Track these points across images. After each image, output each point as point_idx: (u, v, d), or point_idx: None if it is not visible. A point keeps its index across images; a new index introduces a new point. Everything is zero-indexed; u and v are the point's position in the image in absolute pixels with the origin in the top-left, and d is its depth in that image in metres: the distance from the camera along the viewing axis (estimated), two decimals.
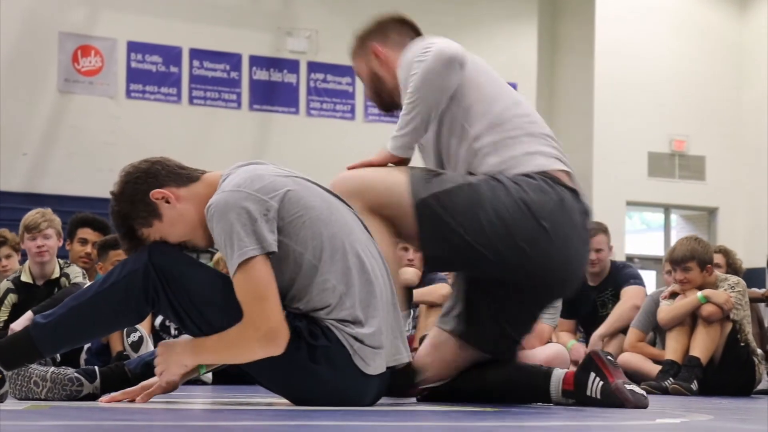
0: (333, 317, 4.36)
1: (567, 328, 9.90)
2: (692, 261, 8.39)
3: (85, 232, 9.55)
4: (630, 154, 20.76)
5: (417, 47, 5.46)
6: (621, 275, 9.78)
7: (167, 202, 4.53)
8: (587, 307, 9.79)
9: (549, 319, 8.54)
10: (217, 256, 9.20)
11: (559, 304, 8.83)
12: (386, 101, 5.73)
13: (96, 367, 4.97)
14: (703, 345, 8.05)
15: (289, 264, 4.38)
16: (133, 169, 4.67)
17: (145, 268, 4.39)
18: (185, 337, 4.57)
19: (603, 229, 10.00)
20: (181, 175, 4.62)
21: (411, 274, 9.46)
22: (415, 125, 5.19)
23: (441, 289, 9.77)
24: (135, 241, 4.61)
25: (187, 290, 4.42)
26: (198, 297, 4.44)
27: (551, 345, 8.43)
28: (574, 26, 21.20)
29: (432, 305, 9.52)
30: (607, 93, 20.61)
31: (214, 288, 4.47)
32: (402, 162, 5.25)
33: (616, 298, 9.56)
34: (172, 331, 8.71)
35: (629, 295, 9.48)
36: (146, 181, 4.58)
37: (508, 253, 5.05)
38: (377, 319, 4.45)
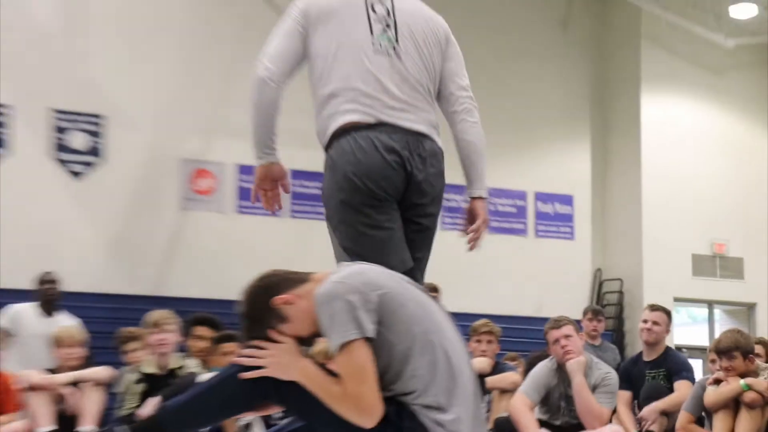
0: (419, 402, 4.34)
1: (625, 401, 9.70)
2: (736, 351, 8.32)
3: (201, 330, 9.61)
4: (676, 257, 20.60)
5: None
6: (676, 361, 9.65)
7: (290, 303, 4.57)
8: (641, 381, 9.69)
9: (607, 402, 8.44)
10: (316, 348, 9.18)
11: (615, 388, 8.76)
12: None
13: None
14: (747, 426, 7.96)
15: (384, 352, 4.36)
16: (252, 288, 4.77)
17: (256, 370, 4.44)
18: (306, 361, 4.52)
19: (666, 311, 9.97)
20: (293, 279, 4.66)
21: (484, 363, 9.44)
22: (255, 140, 5.78)
23: (511, 376, 9.74)
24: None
25: (291, 390, 4.43)
26: (298, 393, 4.45)
27: (610, 426, 8.34)
28: (622, 144, 21.12)
29: (504, 391, 9.47)
30: (653, 202, 20.52)
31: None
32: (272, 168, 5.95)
33: (668, 379, 9.42)
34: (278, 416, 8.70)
35: (683, 390, 9.29)
36: (266, 292, 4.64)
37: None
38: (459, 407, 4.40)
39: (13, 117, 17.66)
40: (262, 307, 4.64)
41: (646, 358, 9.75)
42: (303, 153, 19.01)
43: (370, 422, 4.28)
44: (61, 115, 18.01)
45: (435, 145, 5.61)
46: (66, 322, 10.54)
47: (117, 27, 18.30)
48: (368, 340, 4.33)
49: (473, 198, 5.96)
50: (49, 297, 11.09)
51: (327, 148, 5.71)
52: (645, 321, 9.82)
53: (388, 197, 5.40)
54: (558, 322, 8.61)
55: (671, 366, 9.43)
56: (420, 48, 5.72)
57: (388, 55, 5.55)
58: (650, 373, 9.62)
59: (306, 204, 19.02)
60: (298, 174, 19.08)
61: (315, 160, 19.08)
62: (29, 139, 17.68)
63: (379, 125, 5.40)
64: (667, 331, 9.91)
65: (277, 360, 4.47)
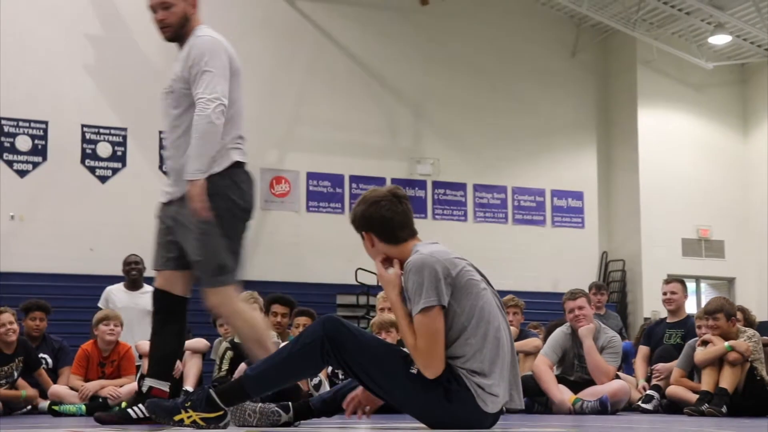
0: (466, 367, 4.30)
1: (643, 354, 9.62)
2: (721, 312, 8.25)
3: (276, 308, 9.59)
4: (669, 240, 20.47)
5: (208, 77, 5.31)
6: (691, 327, 9.54)
7: (370, 244, 4.67)
8: (659, 339, 9.58)
9: (612, 361, 8.37)
10: (373, 321, 9.11)
11: (619, 350, 8.68)
12: (176, 35, 5.55)
13: (290, 403, 4.96)
14: (729, 380, 7.87)
15: (447, 319, 4.32)
16: (362, 202, 4.72)
17: (321, 338, 4.40)
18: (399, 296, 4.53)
19: (680, 281, 9.91)
20: (392, 234, 4.60)
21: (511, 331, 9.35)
22: (207, 159, 5.21)
23: (534, 341, 9.65)
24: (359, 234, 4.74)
25: (351, 353, 4.40)
26: (358, 359, 4.42)
27: (616, 381, 8.26)
28: (622, 149, 20.99)
29: (527, 353, 9.38)
30: (649, 196, 20.39)
31: (371, 352, 4.45)
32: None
33: (683, 339, 9.26)
34: (341, 376, 8.66)
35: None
36: (358, 217, 4.69)
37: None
38: (498, 374, 4.35)
39: (128, 138, 17.79)
40: (358, 217, 4.68)
41: (669, 320, 9.70)
42: (360, 161, 19.11)
43: (431, 375, 4.27)
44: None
45: None
46: (149, 296, 10.55)
47: None
48: (443, 308, 4.31)
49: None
50: (132, 275, 11.10)
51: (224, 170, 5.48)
52: (664, 293, 9.77)
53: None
54: (573, 294, 8.60)
55: (689, 329, 9.29)
56: None
57: None
58: (669, 332, 9.51)
59: None
60: (355, 178, 19.10)
61: (370, 167, 19.10)
62: (141, 155, 17.78)
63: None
64: (685, 296, 9.82)
65: (386, 282, 4.53)
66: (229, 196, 5.41)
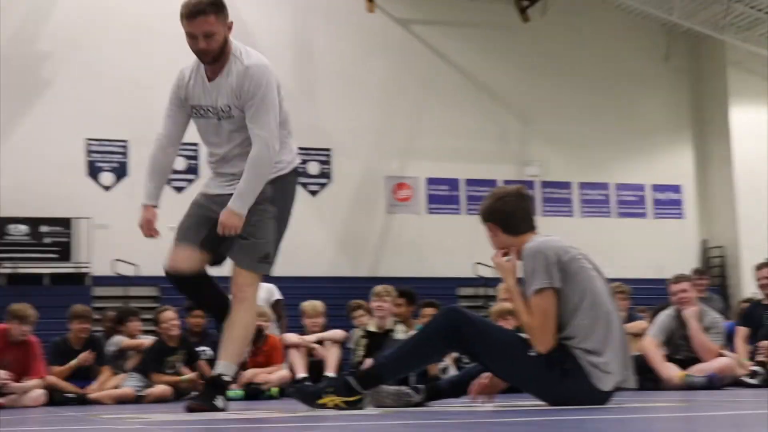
0: (580, 347, 4.28)
1: (742, 335, 9.31)
2: None
3: (401, 301, 9.64)
4: (763, 227, 19.92)
5: (268, 101, 5.04)
6: None
7: (490, 231, 4.67)
8: (757, 320, 9.33)
9: (717, 340, 8.20)
10: (492, 309, 9.07)
11: (722, 329, 8.49)
12: (215, 59, 5.00)
13: (421, 386, 4.98)
14: None
15: (560, 302, 4.32)
16: (490, 197, 4.78)
17: (446, 327, 4.42)
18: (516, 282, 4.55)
19: None
20: (513, 226, 4.61)
21: None
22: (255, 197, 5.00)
23: (640, 324, 9.52)
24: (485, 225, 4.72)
25: (473, 339, 4.42)
26: (480, 344, 4.44)
27: (721, 358, 8.08)
28: (717, 144, 20.51)
29: (635, 335, 9.22)
30: (743, 188, 19.86)
31: (492, 337, 4.46)
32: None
33: None
34: (464, 361, 8.64)
35: None
36: (485, 209, 4.71)
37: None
38: (611, 353, 4.32)
39: None
40: (486, 209, 4.70)
41: (764, 302, 9.42)
42: (474, 166, 19.08)
43: (543, 350, 4.29)
44: (301, 151, 18.26)
45: None
46: (261, 290, 10.59)
47: (336, 83, 18.55)
48: (555, 290, 4.32)
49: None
50: None
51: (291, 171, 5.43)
52: (758, 279, 9.49)
53: None
54: (677, 279, 8.45)
55: None
56: None
57: None
58: (765, 314, 9.25)
59: (477, 204, 18.95)
60: (470, 181, 19.09)
61: (482, 171, 18.95)
62: None
63: None
64: None
65: (504, 270, 4.53)
66: (292, 196, 5.40)
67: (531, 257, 4.38)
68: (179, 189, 17.37)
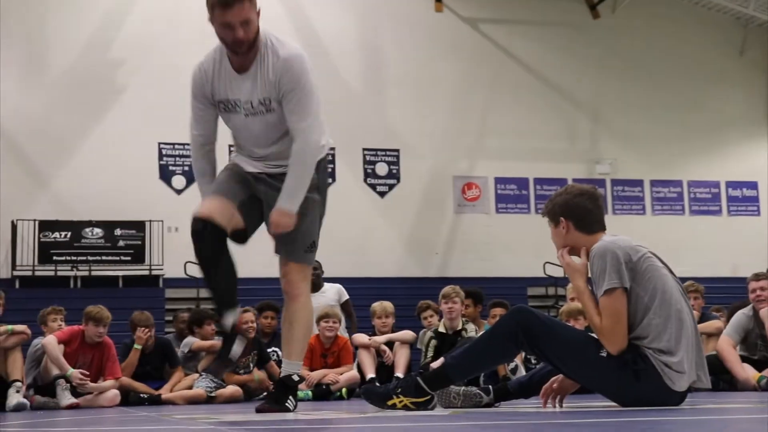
0: (652, 346, 4.20)
1: None
2: None
3: (468, 302, 9.62)
4: None
5: (311, 99, 4.80)
6: None
7: (563, 228, 4.55)
8: None
9: None
10: (562, 309, 8.99)
11: None
12: (250, 48, 4.71)
13: (490, 386, 4.95)
14: None
15: (631, 302, 4.26)
16: (565, 193, 4.66)
17: (515, 327, 4.39)
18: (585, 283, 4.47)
19: None
20: (588, 224, 4.54)
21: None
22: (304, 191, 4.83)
23: (716, 323, 9.30)
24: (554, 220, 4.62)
25: (542, 340, 4.37)
26: (550, 345, 4.39)
27: None
28: None
29: (710, 335, 9.07)
30: None
31: (562, 338, 4.41)
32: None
33: None
34: (533, 361, 8.59)
35: None
36: (559, 205, 4.60)
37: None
38: (683, 352, 4.24)
39: (336, 156, 18.13)
40: (560, 204, 4.59)
41: None
42: (543, 165, 18.97)
43: (614, 351, 4.22)
44: (369, 152, 18.39)
45: None
46: (330, 291, 10.59)
47: (404, 86, 18.60)
48: (625, 290, 4.26)
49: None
50: (313, 279, 11.11)
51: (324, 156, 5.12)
52: None
53: None
54: (757, 276, 8.30)
55: None
56: None
57: None
58: None
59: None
60: (539, 180, 19.00)
61: (552, 170, 18.83)
62: (348, 171, 18.10)
63: None
64: None
65: (572, 270, 4.46)
66: (328, 177, 5.23)
67: (600, 257, 4.32)
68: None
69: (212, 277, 5.00)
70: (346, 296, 10.72)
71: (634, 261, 4.30)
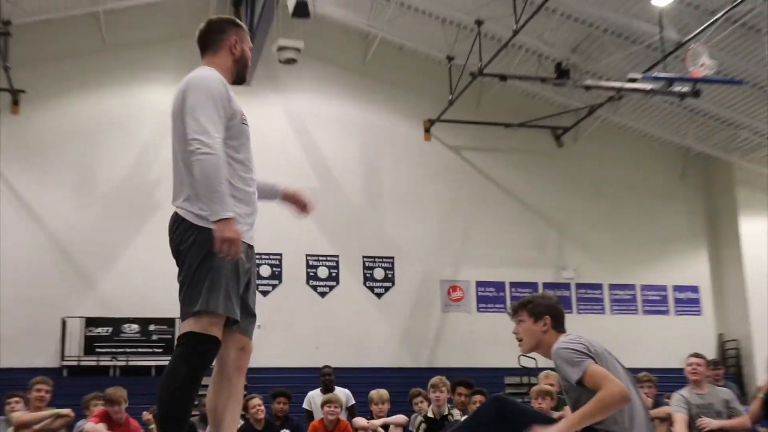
0: (610, 429, 4.15)
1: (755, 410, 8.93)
2: None
3: (460, 389, 9.53)
4: None
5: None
6: None
7: (544, 325, 4.55)
8: None
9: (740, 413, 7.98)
10: (532, 389, 8.88)
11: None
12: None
13: None
14: None
15: (588, 390, 4.19)
16: (545, 297, 4.73)
17: (492, 413, 4.38)
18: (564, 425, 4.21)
19: None
20: (561, 326, 4.60)
21: (647, 402, 8.97)
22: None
23: (666, 409, 9.21)
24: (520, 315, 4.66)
25: (518, 423, 4.34)
26: (524, 427, 4.35)
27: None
28: (729, 251, 20.18)
29: (662, 420, 8.98)
30: (754, 288, 19.42)
31: (534, 421, 4.37)
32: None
33: None
34: None
35: None
36: (544, 306, 4.63)
37: None
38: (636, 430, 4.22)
39: (339, 262, 18.18)
40: (546, 306, 4.62)
41: None
42: (517, 270, 18.98)
43: (625, 396, 4.09)
44: (368, 258, 18.41)
45: (177, 213, 4.07)
46: (340, 394, 10.49)
47: (399, 203, 18.71)
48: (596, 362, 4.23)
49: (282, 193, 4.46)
50: (326, 381, 11.03)
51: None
52: None
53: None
54: (697, 354, 8.58)
55: None
56: (175, 132, 4.06)
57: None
58: None
59: None
60: (513, 284, 19.01)
61: (524, 274, 18.69)
62: (350, 275, 18.11)
63: None
64: None
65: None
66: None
67: (559, 356, 4.32)
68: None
69: (191, 397, 3.79)
70: (352, 401, 10.67)
71: (593, 351, 4.29)
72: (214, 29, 4.16)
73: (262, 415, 9.32)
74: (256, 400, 9.38)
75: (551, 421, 4.57)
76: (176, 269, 4.08)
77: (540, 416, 4.71)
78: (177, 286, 4.05)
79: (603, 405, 4.09)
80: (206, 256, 3.85)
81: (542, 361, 17.72)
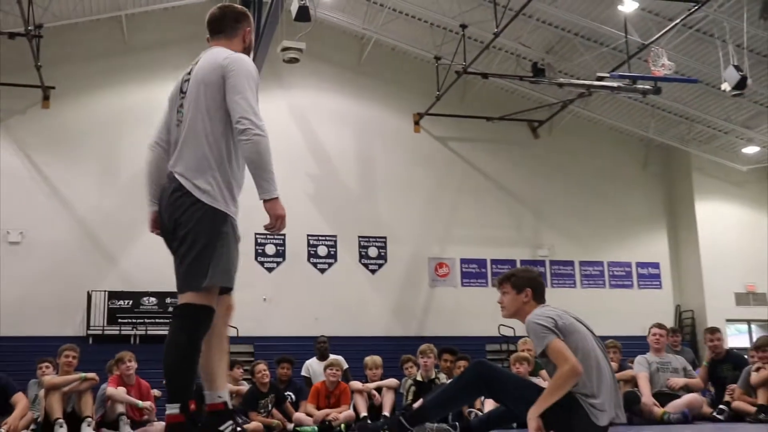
0: (579, 392, 4.18)
1: (702, 375, 8.92)
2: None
3: (446, 356, 9.53)
4: (725, 294, 19.54)
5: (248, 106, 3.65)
6: (739, 358, 8.87)
7: (525, 296, 4.50)
8: (718, 372, 8.97)
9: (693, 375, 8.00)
10: (512, 356, 8.88)
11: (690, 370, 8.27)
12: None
13: (456, 423, 4.89)
14: None
15: None
16: (528, 272, 4.65)
17: (475, 376, 4.37)
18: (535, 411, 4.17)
19: (719, 329, 9.29)
20: (541, 297, 4.55)
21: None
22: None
23: (630, 372, 9.20)
24: (505, 287, 4.57)
25: (498, 385, 4.35)
26: (503, 388, 4.36)
27: (690, 395, 7.87)
28: (686, 231, 20.25)
29: (626, 381, 8.99)
30: (708, 264, 19.59)
31: (512, 384, 4.40)
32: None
33: (735, 369, 8.66)
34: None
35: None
36: (526, 279, 4.57)
37: None
38: (604, 395, 4.22)
39: (337, 241, 18.16)
40: (527, 279, 4.56)
41: (716, 358, 9.01)
42: (497, 249, 18.99)
43: (579, 371, 4.11)
44: (363, 238, 18.40)
45: (181, 182, 3.72)
46: (328, 362, 10.37)
47: (390, 186, 18.68)
48: (559, 338, 4.22)
49: (264, 201, 3.67)
50: (321, 348, 10.92)
51: None
52: (710, 341, 9.10)
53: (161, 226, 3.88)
54: (660, 325, 8.43)
55: (736, 361, 8.71)
56: (198, 102, 3.76)
57: (178, 126, 3.84)
58: (722, 366, 8.87)
59: None
60: (494, 261, 18.98)
61: (504, 253, 18.69)
62: (347, 253, 18.10)
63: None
64: (723, 341, 9.25)
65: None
66: None
67: (531, 324, 4.32)
68: (270, 269, 17.50)
69: (195, 363, 3.70)
70: (346, 365, 10.62)
71: (560, 325, 4.28)
72: (230, 17, 4.02)
73: (267, 379, 9.31)
74: (262, 366, 9.36)
75: (528, 384, 4.58)
76: None
77: (517, 379, 4.72)
78: None
79: (557, 386, 4.13)
80: (214, 235, 3.64)
81: (520, 330, 17.69)
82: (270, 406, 9.25)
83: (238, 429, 3.66)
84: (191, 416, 3.58)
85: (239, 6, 4.14)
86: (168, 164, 3.80)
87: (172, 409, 3.51)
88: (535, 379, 6.80)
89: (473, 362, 4.64)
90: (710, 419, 8.02)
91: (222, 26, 4.00)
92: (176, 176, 3.70)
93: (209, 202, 3.64)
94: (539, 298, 4.56)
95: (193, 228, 3.63)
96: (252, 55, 4.18)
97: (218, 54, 3.81)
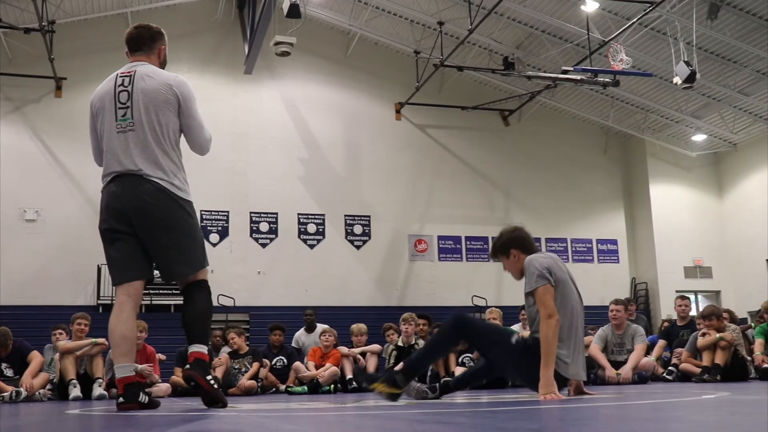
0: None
1: (662, 345, 9.10)
2: (713, 315, 7.93)
3: (422, 321, 9.59)
4: (675, 269, 19.70)
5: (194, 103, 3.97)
6: (695, 326, 9.01)
7: (515, 257, 4.43)
8: (674, 335, 9.14)
9: (641, 342, 8.05)
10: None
11: (645, 338, 8.35)
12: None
13: (436, 384, 4.88)
14: (721, 358, 7.54)
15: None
16: (504, 234, 4.55)
17: (452, 328, 4.38)
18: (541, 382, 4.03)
19: (688, 297, 9.42)
20: (528, 247, 4.46)
21: None
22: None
23: (588, 338, 9.29)
24: (499, 258, 4.51)
25: (473, 330, 4.37)
26: (478, 333, 4.38)
27: (644, 359, 7.97)
28: (641, 211, 20.38)
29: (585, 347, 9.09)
30: (660, 241, 19.71)
31: (486, 329, 4.45)
32: None
33: (691, 331, 8.77)
34: (466, 364, 8.54)
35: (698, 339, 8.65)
36: (507, 241, 4.49)
37: None
38: (571, 349, 4.18)
39: (325, 220, 18.14)
40: (506, 244, 4.48)
41: (679, 323, 9.24)
42: (470, 227, 19.06)
43: (555, 320, 4.03)
44: (349, 217, 18.40)
45: (161, 184, 3.85)
46: (320, 330, 10.31)
47: (374, 169, 18.67)
48: (551, 284, 4.15)
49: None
50: (309, 320, 10.83)
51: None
52: (679, 305, 9.29)
53: (119, 226, 4.04)
54: (616, 301, 8.31)
55: (692, 327, 8.86)
56: (149, 112, 3.88)
57: (124, 132, 3.89)
58: (683, 331, 9.06)
59: (475, 253, 18.88)
60: (468, 238, 19.02)
61: (477, 230, 18.71)
62: (334, 231, 18.09)
63: (111, 180, 4.00)
64: (690, 308, 9.38)
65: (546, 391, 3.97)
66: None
67: (528, 266, 4.25)
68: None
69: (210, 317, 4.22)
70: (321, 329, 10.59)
71: (552, 276, 4.21)
72: (147, 37, 4.12)
73: (236, 346, 9.30)
74: (232, 333, 9.39)
75: (499, 329, 4.54)
76: None
77: (489, 325, 4.72)
78: None
79: (546, 343, 4.03)
80: (196, 224, 4.02)
81: (492, 300, 17.69)
82: (248, 366, 9.22)
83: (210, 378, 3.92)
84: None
85: (155, 26, 4.21)
86: (117, 166, 3.92)
87: (203, 348, 4.03)
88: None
89: (451, 315, 4.63)
90: (661, 379, 8.15)
91: (140, 45, 4.12)
92: (153, 179, 3.85)
93: (188, 198, 3.96)
94: (528, 249, 4.44)
95: (180, 220, 3.90)
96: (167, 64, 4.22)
97: (158, 73, 3.98)
